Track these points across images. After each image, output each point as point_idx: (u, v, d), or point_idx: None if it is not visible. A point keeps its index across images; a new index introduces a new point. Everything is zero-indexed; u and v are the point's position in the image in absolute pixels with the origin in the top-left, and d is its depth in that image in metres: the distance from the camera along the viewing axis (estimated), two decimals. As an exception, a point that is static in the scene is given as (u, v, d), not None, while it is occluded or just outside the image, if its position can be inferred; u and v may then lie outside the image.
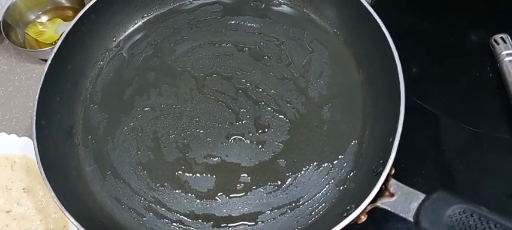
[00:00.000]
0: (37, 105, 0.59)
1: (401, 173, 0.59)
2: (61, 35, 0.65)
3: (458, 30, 0.76)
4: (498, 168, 0.65)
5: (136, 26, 0.73)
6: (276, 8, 0.73)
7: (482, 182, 0.64)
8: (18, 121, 0.76)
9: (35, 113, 0.59)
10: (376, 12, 0.62)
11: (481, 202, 0.47)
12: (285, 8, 0.73)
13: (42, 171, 0.55)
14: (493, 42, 0.71)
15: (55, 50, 0.63)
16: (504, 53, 0.69)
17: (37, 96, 0.60)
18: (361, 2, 0.64)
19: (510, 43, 0.70)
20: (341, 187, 0.58)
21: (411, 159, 0.65)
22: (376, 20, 0.61)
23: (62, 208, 0.53)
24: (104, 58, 0.71)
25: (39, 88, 0.60)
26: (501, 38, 0.70)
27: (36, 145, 0.57)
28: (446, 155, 0.66)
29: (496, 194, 0.63)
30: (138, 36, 0.72)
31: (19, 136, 0.70)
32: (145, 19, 0.74)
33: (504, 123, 0.68)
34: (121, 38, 0.72)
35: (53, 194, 0.54)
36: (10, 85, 0.80)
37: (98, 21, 0.68)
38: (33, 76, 0.80)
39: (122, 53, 0.71)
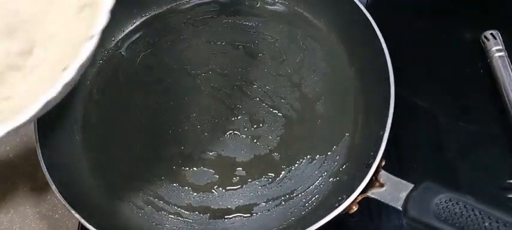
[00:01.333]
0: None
1: (393, 167, 0.60)
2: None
3: (450, 27, 0.78)
4: (489, 162, 0.67)
5: (134, 25, 0.75)
6: (270, 7, 0.74)
7: (473, 176, 0.65)
8: (20, 120, 0.77)
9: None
10: (369, 10, 0.64)
11: (473, 194, 0.49)
12: (279, 7, 0.74)
13: (44, 167, 0.57)
14: (484, 39, 0.72)
15: (55, 49, 0.65)
16: (494, 48, 0.70)
17: (38, 95, 0.61)
18: (353, 0, 0.65)
19: (500, 39, 0.71)
20: (334, 179, 0.60)
21: (404, 153, 0.67)
22: (367, 18, 0.63)
23: (64, 201, 0.54)
24: (103, 57, 0.72)
25: (40, 88, 0.62)
26: (491, 34, 0.72)
27: (38, 143, 0.59)
28: (438, 150, 0.68)
29: (487, 187, 0.64)
30: (136, 36, 0.74)
31: (22, 135, 0.72)
32: (143, 19, 0.75)
33: (494, 118, 0.69)
34: (119, 37, 0.74)
35: (54, 188, 0.55)
36: (12, 85, 0.81)
37: (97, 21, 0.70)
38: (34, 76, 0.82)
39: (120, 52, 0.73)
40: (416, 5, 0.81)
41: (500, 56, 0.70)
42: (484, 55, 0.73)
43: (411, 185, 0.51)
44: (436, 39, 0.77)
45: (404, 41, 0.76)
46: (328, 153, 0.62)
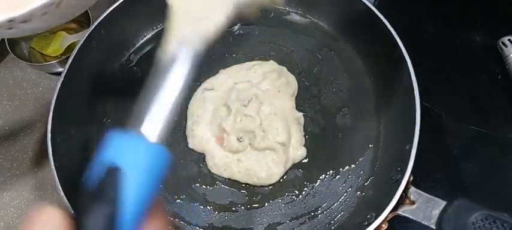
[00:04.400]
0: (51, 122, 0.59)
1: (415, 179, 0.59)
2: (68, 50, 0.65)
3: (465, 32, 0.77)
4: (509, 169, 0.66)
5: (145, 38, 0.73)
6: (284, 17, 0.73)
7: (495, 184, 0.65)
8: (25, 135, 0.75)
9: (49, 131, 0.58)
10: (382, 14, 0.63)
11: (495, 204, 0.48)
12: (293, 16, 0.73)
13: (60, 187, 0.55)
14: (501, 45, 0.72)
15: (67, 66, 0.62)
16: (512, 55, 0.70)
17: (51, 114, 0.59)
18: (369, 8, 0.64)
19: (518, 45, 0.70)
20: (359, 195, 0.59)
21: (425, 163, 0.65)
22: (386, 26, 0.62)
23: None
24: (115, 72, 0.70)
25: (53, 106, 0.60)
26: (509, 40, 0.71)
27: (52, 163, 0.56)
28: (458, 159, 0.67)
29: (508, 196, 0.63)
30: (148, 48, 0.72)
31: (29, 151, 0.69)
32: (154, 31, 0.73)
33: (515, 124, 0.68)
34: (131, 51, 0.72)
35: (72, 211, 0.53)
36: (16, 99, 0.79)
37: (107, 36, 0.68)
38: (39, 90, 0.80)
39: (132, 66, 0.71)
40: (429, 9, 0.80)
41: (519, 62, 0.69)
42: (501, 60, 0.72)
43: (444, 203, 0.50)
44: (451, 45, 0.76)
45: (419, 46, 0.75)
46: (352, 166, 0.60)
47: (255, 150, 0.60)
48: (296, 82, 0.66)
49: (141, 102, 0.37)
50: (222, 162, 0.60)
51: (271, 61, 0.67)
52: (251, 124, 0.60)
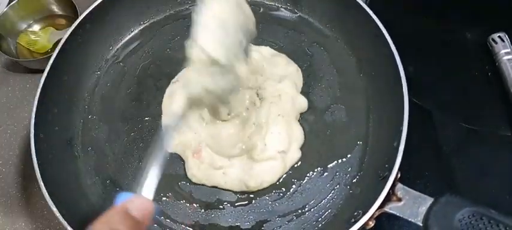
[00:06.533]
0: (35, 118, 0.58)
1: (404, 176, 0.59)
2: (56, 46, 0.64)
3: (456, 30, 0.76)
4: (499, 166, 0.65)
5: (132, 33, 0.72)
6: (274, 13, 0.72)
7: (484, 181, 0.64)
8: (12, 132, 0.74)
9: (32, 127, 0.57)
10: (372, 11, 0.62)
11: (484, 201, 0.47)
12: (283, 12, 0.72)
13: (43, 185, 0.54)
14: (491, 41, 0.71)
15: (50, 61, 0.62)
16: (502, 51, 0.69)
17: (34, 109, 0.58)
18: (360, 4, 0.64)
19: (508, 42, 0.70)
20: (347, 192, 0.58)
21: (413, 160, 0.65)
22: (376, 23, 0.61)
23: (64, 221, 0.52)
24: (101, 67, 0.69)
25: (36, 101, 0.59)
26: (499, 37, 0.71)
27: (35, 160, 0.55)
28: (447, 155, 0.66)
29: (498, 193, 0.63)
30: (135, 44, 0.71)
31: (15, 148, 0.69)
32: (141, 26, 0.72)
33: (505, 121, 0.68)
34: (118, 46, 0.71)
35: (54, 208, 0.52)
36: (3, 96, 0.78)
37: (93, 30, 0.67)
38: (27, 86, 0.79)
39: (119, 62, 0.70)
40: (420, 6, 0.80)
41: (509, 59, 0.69)
42: (491, 57, 0.71)
43: (431, 199, 0.49)
44: (441, 41, 0.76)
45: (409, 43, 0.74)
46: (340, 163, 0.60)
47: (252, 161, 0.58)
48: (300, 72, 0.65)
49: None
50: (203, 173, 0.59)
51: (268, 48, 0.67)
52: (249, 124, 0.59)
